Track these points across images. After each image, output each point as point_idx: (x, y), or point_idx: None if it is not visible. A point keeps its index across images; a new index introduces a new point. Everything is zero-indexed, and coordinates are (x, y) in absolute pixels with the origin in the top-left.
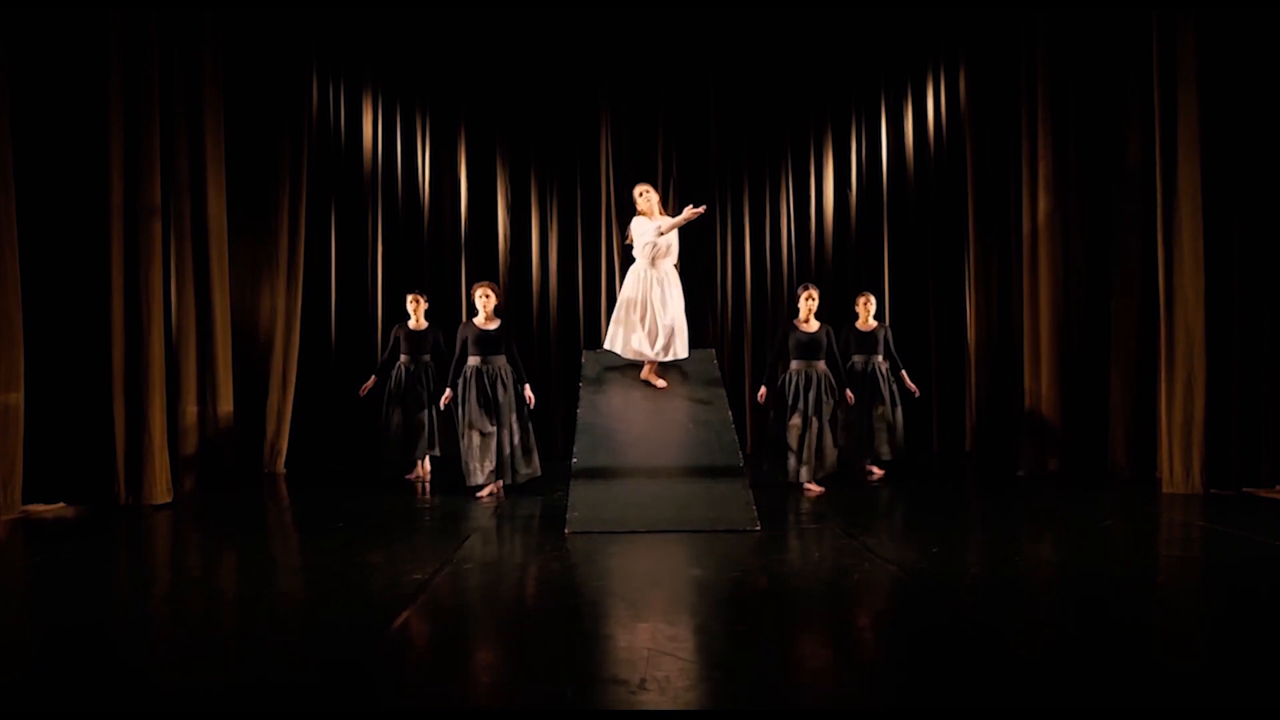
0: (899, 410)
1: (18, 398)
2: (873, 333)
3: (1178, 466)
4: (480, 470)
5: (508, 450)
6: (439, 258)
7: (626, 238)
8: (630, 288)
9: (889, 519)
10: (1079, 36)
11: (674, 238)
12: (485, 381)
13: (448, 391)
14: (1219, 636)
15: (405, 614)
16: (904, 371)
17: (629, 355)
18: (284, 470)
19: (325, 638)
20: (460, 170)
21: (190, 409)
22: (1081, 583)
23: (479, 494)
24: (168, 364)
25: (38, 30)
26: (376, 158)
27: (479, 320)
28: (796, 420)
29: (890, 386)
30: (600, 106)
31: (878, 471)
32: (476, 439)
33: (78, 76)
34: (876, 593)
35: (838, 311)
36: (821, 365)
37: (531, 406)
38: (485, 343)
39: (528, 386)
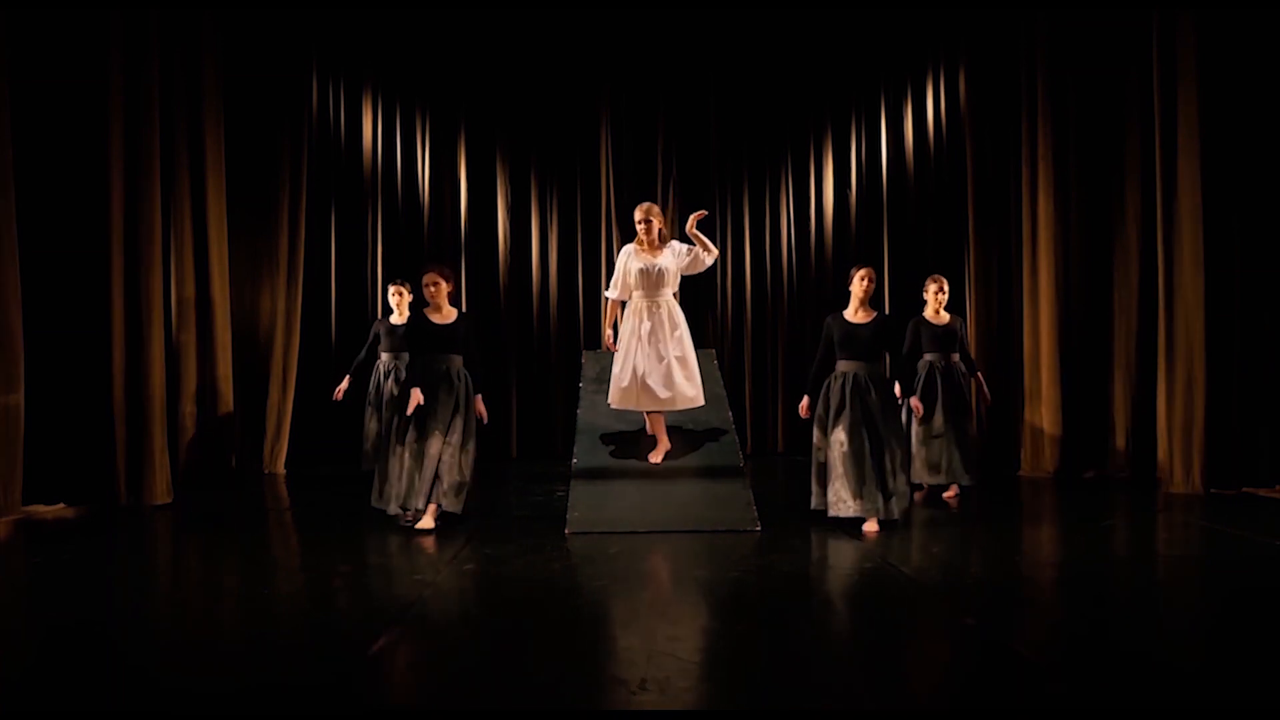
0: (973, 422)
1: (18, 398)
2: (948, 326)
3: (1178, 466)
4: (420, 495)
5: (434, 465)
6: (439, 258)
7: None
8: (625, 328)
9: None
10: (1079, 36)
11: (668, 262)
12: (431, 387)
13: (416, 392)
14: (1219, 636)
15: (405, 615)
16: (980, 374)
17: (627, 405)
18: (284, 470)
19: (326, 638)
20: (460, 170)
21: (190, 409)
22: (1081, 583)
23: (415, 521)
24: (168, 364)
25: (38, 30)
26: (376, 158)
27: (429, 313)
28: (841, 435)
29: (969, 393)
30: (600, 106)
31: (954, 491)
32: (405, 459)
33: (78, 77)
34: (877, 593)
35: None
36: (878, 367)
37: (484, 422)
38: (434, 340)
39: (480, 399)
